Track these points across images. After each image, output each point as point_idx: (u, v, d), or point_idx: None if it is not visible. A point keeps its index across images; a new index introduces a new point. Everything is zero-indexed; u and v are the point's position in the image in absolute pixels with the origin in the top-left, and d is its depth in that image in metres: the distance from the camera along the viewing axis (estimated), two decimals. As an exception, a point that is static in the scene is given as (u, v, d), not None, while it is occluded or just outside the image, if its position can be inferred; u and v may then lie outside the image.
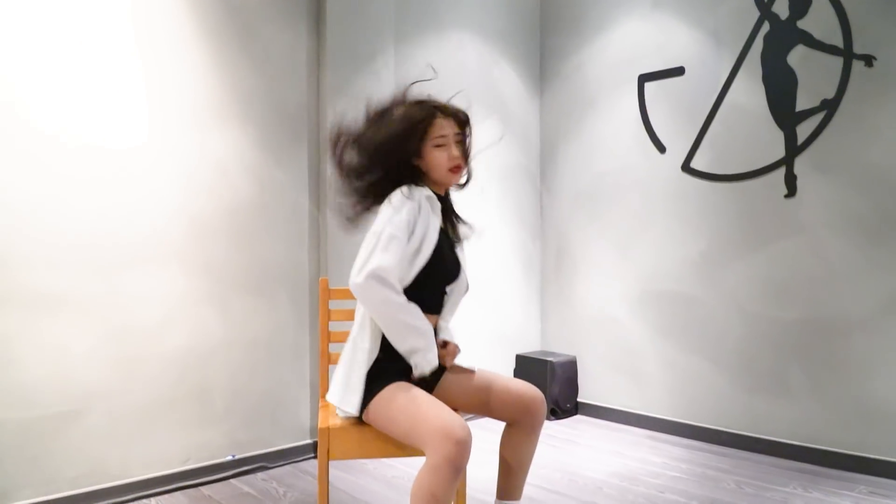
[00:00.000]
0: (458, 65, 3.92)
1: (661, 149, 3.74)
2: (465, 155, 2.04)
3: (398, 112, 1.98)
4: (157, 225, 2.79)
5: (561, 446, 3.48)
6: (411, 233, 1.89)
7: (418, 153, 1.97)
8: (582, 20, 4.14)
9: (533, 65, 4.36)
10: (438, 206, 2.01)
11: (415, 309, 1.90)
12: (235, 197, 3.02)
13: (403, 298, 1.87)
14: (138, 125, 2.75)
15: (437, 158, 1.96)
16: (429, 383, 2.04)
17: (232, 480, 2.93)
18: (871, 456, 3.00)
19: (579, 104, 4.16)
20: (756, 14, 3.35)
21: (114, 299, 2.68)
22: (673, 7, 3.68)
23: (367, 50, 3.37)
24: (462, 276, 2.13)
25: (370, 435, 1.97)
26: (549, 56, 4.34)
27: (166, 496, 2.75)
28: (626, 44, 3.91)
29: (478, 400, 2.06)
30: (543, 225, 4.41)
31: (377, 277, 1.82)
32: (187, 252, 2.87)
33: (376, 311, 1.87)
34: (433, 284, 2.03)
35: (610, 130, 3.99)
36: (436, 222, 1.98)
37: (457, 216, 2.15)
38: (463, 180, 2.09)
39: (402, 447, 1.94)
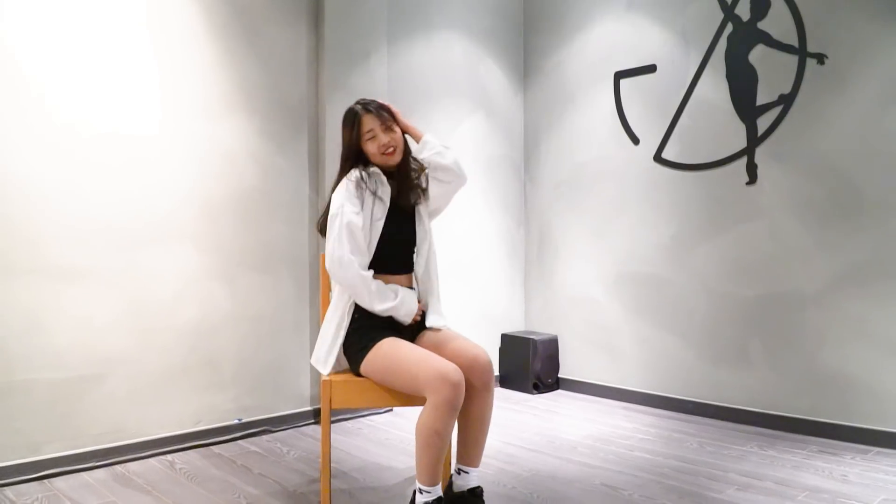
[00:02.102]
0: (446, 62, 4.19)
1: (635, 140, 4.03)
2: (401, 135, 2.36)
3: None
4: (171, 207, 3.06)
5: (542, 416, 3.76)
6: (362, 207, 2.25)
7: (360, 149, 2.34)
8: (563, 20, 4.42)
9: (517, 62, 4.64)
10: (384, 178, 2.33)
11: (372, 282, 2.23)
12: (242, 182, 3.29)
13: (363, 275, 2.21)
14: (153, 116, 3.02)
15: (370, 149, 2.33)
16: (408, 339, 2.30)
17: (239, 441, 3.20)
18: (822, 420, 3.29)
19: (560, 99, 4.45)
20: (720, 16, 3.65)
21: (132, 275, 2.95)
22: (645, 9, 3.97)
23: (362, 48, 3.64)
24: (420, 240, 2.41)
25: (367, 386, 2.25)
26: (532, 54, 4.62)
27: (180, 453, 3.02)
28: (603, 43, 4.19)
29: (435, 349, 2.25)
30: (527, 212, 4.69)
31: (339, 263, 2.19)
32: (198, 232, 3.14)
33: (347, 289, 2.25)
34: (395, 249, 2.34)
35: (588, 123, 4.28)
36: (385, 198, 2.30)
37: (414, 178, 2.40)
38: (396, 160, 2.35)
39: (395, 395, 2.22)
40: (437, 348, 2.26)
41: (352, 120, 2.33)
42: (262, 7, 3.35)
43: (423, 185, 2.43)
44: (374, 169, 2.33)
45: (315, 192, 3.55)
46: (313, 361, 2.33)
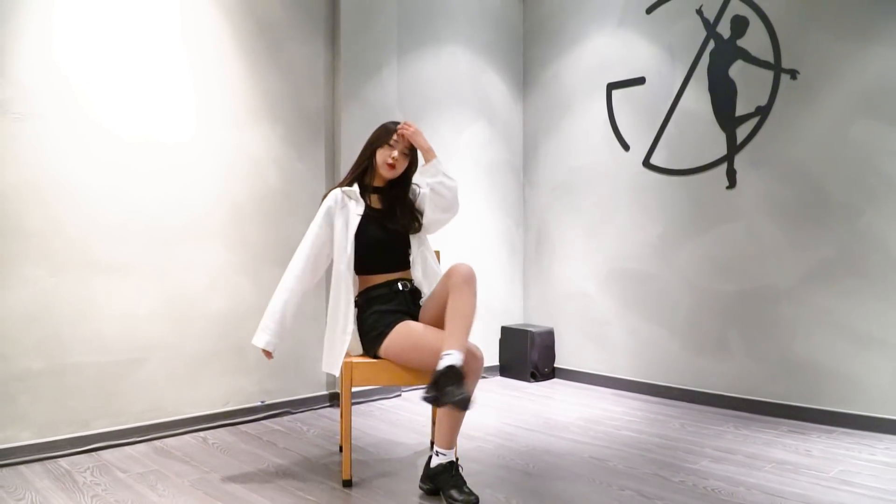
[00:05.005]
0: (451, 74, 4.51)
1: (626, 147, 4.35)
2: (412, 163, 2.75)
3: None
4: (202, 208, 3.38)
5: (538, 401, 4.08)
6: (331, 223, 2.65)
7: (374, 153, 2.70)
8: (559, 35, 4.74)
9: (517, 73, 4.96)
10: (357, 195, 2.66)
11: (280, 295, 2.73)
12: (265, 185, 3.61)
13: (280, 287, 2.76)
14: (187, 125, 3.33)
15: (380, 154, 2.69)
16: (413, 315, 2.64)
17: (263, 421, 3.52)
18: (794, 403, 3.61)
19: (557, 108, 4.77)
20: (703, 34, 3.96)
21: (169, 270, 3.26)
22: (635, 26, 4.29)
23: (375, 62, 3.96)
24: (414, 250, 2.74)
25: (382, 366, 2.57)
26: (531, 65, 4.94)
27: (212, 431, 3.33)
28: (596, 56, 4.51)
29: (435, 305, 2.56)
30: (525, 213, 5.01)
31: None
32: (227, 231, 3.46)
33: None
34: (383, 250, 2.68)
35: (583, 131, 4.60)
36: (355, 210, 2.64)
37: (409, 199, 2.77)
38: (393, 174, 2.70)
39: (411, 373, 2.53)
40: (433, 299, 2.58)
41: (387, 128, 2.70)
42: (284, 25, 3.67)
43: (420, 211, 2.76)
44: (351, 189, 2.67)
45: (331, 195, 3.87)
46: (325, 368, 2.65)
